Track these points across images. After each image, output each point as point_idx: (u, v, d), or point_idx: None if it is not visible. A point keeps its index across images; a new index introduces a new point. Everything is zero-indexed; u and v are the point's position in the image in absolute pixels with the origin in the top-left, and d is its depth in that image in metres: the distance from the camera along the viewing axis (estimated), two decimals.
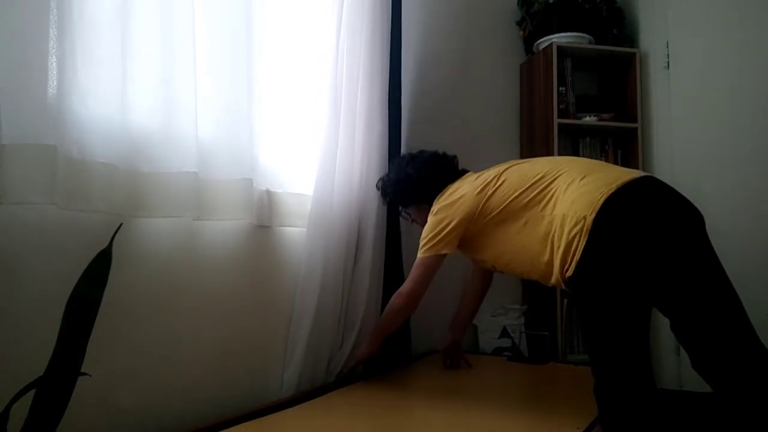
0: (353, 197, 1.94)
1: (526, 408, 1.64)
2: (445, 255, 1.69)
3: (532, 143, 2.67)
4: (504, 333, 2.47)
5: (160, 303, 1.44)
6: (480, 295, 2.08)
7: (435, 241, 1.67)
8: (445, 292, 2.26)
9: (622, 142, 2.72)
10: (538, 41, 2.66)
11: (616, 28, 2.71)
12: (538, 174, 1.56)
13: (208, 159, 1.49)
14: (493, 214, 1.60)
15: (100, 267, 0.89)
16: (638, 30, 2.75)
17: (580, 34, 2.60)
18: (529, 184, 1.56)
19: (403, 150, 2.20)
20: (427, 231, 1.70)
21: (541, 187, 1.53)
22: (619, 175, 1.47)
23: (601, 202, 1.38)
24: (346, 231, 1.90)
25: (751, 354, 1.32)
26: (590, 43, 2.64)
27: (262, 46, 1.68)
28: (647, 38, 2.70)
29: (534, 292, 2.58)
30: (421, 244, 1.71)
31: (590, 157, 2.68)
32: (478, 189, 1.64)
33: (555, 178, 1.53)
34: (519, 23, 2.79)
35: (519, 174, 1.61)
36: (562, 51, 2.57)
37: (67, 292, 0.86)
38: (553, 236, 1.46)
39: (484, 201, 1.61)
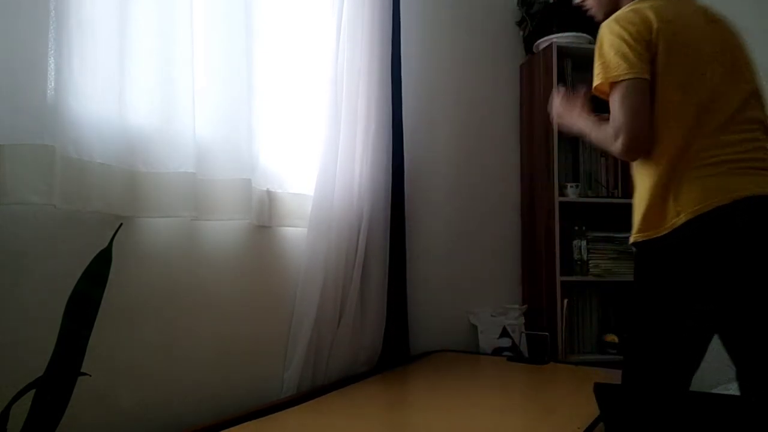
0: (354, 197, 1.94)
1: (526, 408, 1.64)
2: (646, 81, 1.25)
3: (532, 143, 2.67)
4: (504, 333, 2.47)
5: (160, 303, 1.44)
6: None
7: (624, 60, 1.26)
8: (444, 291, 2.26)
9: None
10: (538, 41, 2.66)
11: None
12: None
13: (206, 159, 1.49)
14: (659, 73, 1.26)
15: (100, 267, 0.89)
16: None
17: (580, 34, 2.60)
18: (700, 71, 1.25)
19: (405, 149, 2.19)
20: (609, 51, 1.32)
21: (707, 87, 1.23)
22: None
23: (709, 208, 1.16)
24: (347, 231, 1.90)
25: None
26: (590, 43, 2.63)
27: (262, 45, 1.68)
28: None
29: (534, 293, 2.58)
30: (604, 69, 1.32)
31: (590, 157, 2.66)
32: (660, 19, 1.28)
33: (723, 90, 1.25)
34: (519, 23, 2.79)
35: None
36: (562, 51, 2.57)
37: (67, 292, 0.86)
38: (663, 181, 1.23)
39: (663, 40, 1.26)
